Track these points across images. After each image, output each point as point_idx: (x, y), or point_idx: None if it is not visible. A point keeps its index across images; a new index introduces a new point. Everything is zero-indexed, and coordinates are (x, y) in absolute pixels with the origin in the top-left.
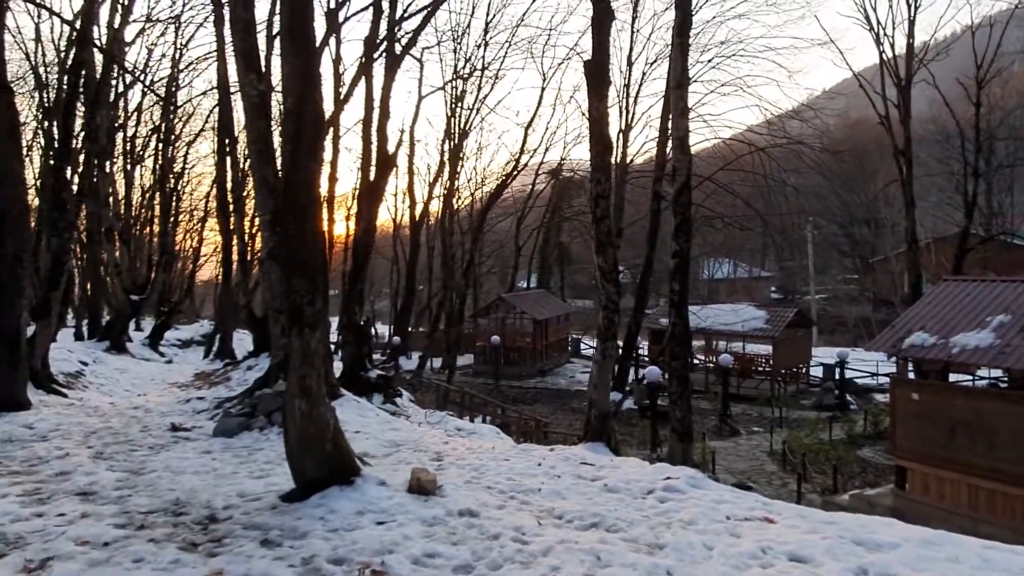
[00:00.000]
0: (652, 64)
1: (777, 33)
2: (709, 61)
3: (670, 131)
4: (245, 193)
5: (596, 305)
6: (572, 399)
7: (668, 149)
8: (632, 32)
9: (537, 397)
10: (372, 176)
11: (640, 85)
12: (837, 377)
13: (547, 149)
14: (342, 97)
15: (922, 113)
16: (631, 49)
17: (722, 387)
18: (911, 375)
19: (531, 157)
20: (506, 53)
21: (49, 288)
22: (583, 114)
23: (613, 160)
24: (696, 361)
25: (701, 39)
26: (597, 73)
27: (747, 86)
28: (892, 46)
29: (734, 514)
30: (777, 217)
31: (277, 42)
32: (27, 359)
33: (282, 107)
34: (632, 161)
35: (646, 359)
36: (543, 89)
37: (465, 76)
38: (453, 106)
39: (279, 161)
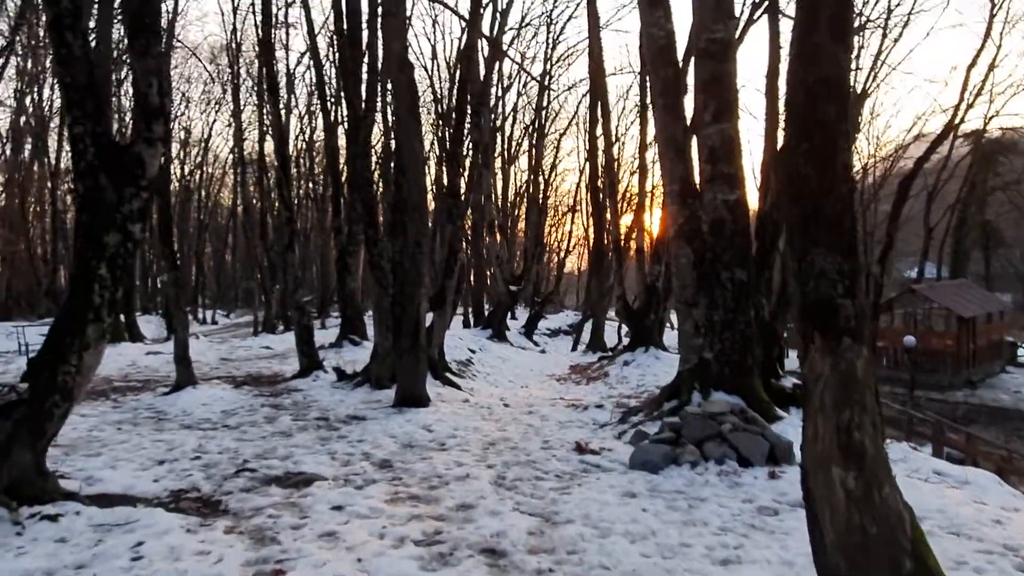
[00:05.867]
0: None
1: None
2: None
3: None
4: (619, 179)
5: None
6: None
7: None
8: None
9: (971, 416)
10: (780, 140)
11: None
12: None
13: (970, 106)
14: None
15: None
16: None
17: None
18: None
19: (964, 114)
20: None
21: (444, 277)
22: None
23: None
24: None
25: None
26: None
27: None
28: None
29: None
30: None
31: None
32: (426, 350)
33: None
34: None
35: None
36: (992, 16)
37: (858, 29)
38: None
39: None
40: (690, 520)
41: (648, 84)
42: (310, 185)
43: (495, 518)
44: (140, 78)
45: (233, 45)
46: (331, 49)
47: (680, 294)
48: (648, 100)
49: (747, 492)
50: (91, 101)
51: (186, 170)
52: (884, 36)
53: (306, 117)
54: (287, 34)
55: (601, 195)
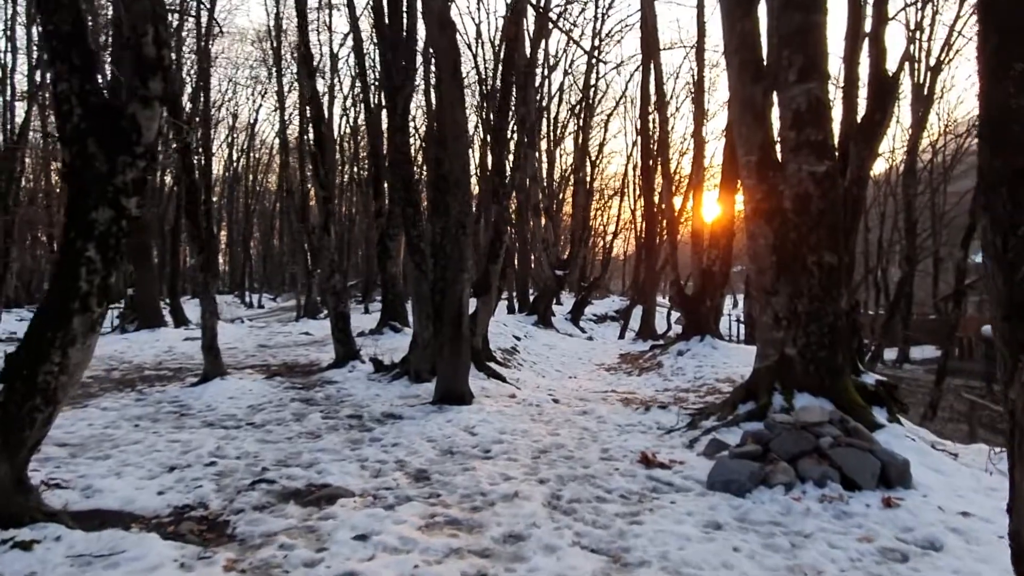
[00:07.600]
0: None
1: None
2: None
3: None
4: (672, 156)
5: None
6: None
7: None
8: None
9: None
10: (864, 108)
11: None
12: None
13: None
14: None
15: None
16: None
17: None
18: None
19: None
20: None
21: (489, 260)
22: None
23: None
24: None
25: None
26: None
27: None
28: None
29: None
30: None
31: None
32: (469, 341)
33: None
34: None
35: None
36: None
37: None
38: (912, 34)
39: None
40: (797, 566)
41: (703, 59)
42: (354, 169)
43: (551, 556)
44: (133, 25)
45: (275, 28)
46: (373, 30)
47: (757, 281)
48: (704, 72)
49: (861, 526)
50: (78, 53)
51: (234, 155)
52: (962, 2)
53: (349, 100)
54: (330, 16)
55: (655, 169)
